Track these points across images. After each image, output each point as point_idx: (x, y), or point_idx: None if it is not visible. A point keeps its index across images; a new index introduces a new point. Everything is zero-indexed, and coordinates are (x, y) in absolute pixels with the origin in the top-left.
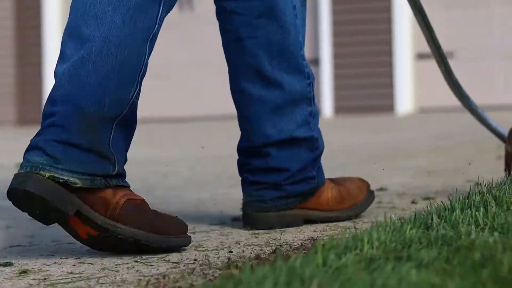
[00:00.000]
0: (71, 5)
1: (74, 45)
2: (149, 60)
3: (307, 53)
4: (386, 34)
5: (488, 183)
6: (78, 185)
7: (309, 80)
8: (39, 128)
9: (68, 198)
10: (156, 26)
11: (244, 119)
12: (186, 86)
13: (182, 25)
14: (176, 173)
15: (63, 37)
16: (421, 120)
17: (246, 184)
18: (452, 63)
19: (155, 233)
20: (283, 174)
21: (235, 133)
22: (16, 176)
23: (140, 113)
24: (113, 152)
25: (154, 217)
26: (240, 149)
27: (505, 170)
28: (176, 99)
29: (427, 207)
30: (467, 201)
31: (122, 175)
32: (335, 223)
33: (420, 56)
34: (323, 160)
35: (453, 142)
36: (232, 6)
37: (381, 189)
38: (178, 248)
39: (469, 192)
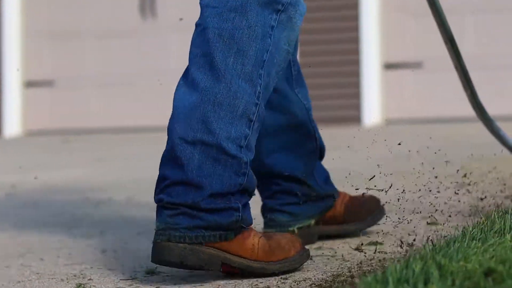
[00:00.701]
0: None
1: None
2: (110, 68)
3: None
4: (353, 43)
5: (436, 239)
6: None
7: (258, 101)
8: None
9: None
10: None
11: (178, 110)
12: (150, 95)
13: (145, 33)
14: (110, 203)
15: None
16: (388, 134)
17: (161, 208)
18: (420, 73)
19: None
20: (201, 192)
21: None
22: None
23: (101, 122)
24: None
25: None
26: (163, 158)
27: None
28: (138, 108)
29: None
30: (405, 271)
31: None
32: (255, 279)
33: (388, 66)
34: None
35: (417, 163)
36: (207, 1)
37: None
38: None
39: (408, 259)
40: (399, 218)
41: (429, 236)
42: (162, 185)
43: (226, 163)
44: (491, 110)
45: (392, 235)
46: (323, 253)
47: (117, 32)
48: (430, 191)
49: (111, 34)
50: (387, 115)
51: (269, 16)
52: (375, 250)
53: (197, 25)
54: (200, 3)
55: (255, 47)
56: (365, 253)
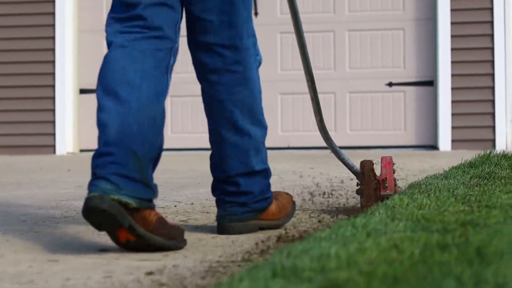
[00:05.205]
0: (103, 70)
1: (113, 103)
2: None
3: None
4: (49, 65)
5: None
6: (133, 206)
7: (266, 130)
8: (99, 161)
9: (126, 215)
10: (168, 81)
11: (221, 157)
12: None
13: None
14: None
15: (98, 92)
16: (79, 165)
17: (221, 203)
18: None
19: (171, 239)
20: (250, 196)
21: None
22: (92, 198)
23: None
24: (152, 182)
25: (170, 227)
26: (216, 176)
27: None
28: None
29: None
30: None
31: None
32: (273, 230)
33: (82, 92)
34: None
35: None
36: (215, 79)
37: None
38: (179, 248)
39: None
40: None
41: None
42: (220, 191)
43: (260, 174)
44: None
45: None
46: None
47: None
48: None
49: None
50: (81, 144)
51: (256, 73)
52: None
53: (210, 95)
54: (208, 77)
55: (257, 100)
56: None
